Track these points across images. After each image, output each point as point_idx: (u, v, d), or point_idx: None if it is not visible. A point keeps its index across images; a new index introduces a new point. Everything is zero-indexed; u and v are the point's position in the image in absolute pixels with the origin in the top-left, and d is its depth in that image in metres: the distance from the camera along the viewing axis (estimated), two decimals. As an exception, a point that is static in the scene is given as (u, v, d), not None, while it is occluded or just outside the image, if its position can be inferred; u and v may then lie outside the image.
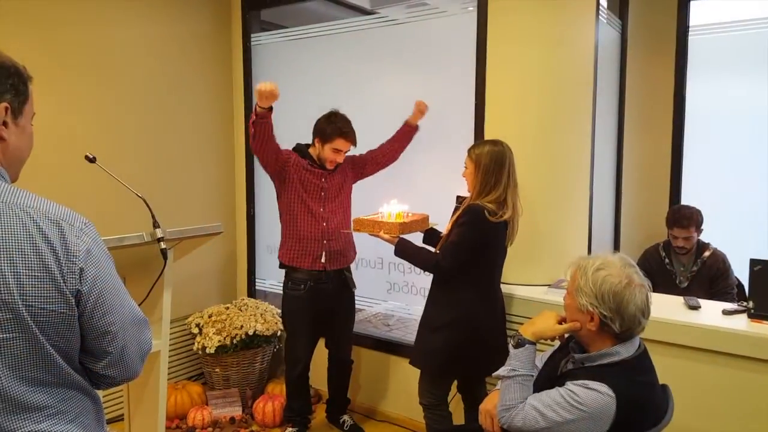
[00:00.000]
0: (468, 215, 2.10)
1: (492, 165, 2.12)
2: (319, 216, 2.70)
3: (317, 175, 2.70)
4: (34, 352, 0.95)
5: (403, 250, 2.21)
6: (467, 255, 2.10)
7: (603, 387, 1.38)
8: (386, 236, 2.23)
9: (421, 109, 2.76)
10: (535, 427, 1.43)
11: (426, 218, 2.44)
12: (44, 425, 0.97)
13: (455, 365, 2.22)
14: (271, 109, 2.48)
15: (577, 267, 1.50)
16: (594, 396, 1.37)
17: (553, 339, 1.61)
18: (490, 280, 2.23)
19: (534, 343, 1.58)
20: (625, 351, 1.45)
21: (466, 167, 2.22)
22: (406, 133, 2.80)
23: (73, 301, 0.98)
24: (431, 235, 2.42)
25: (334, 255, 2.75)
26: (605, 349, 1.45)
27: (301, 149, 2.74)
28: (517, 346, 1.57)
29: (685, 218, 2.84)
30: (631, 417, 1.39)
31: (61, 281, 0.96)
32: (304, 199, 2.69)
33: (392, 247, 2.26)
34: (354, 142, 2.65)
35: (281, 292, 2.85)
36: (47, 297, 0.95)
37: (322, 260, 2.70)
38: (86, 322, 1.00)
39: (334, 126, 2.60)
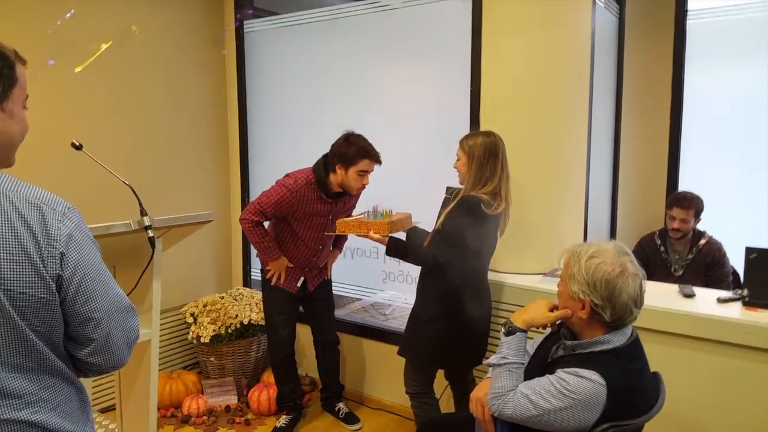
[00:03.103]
0: (464, 207, 2.07)
1: (486, 156, 2.09)
2: (313, 250, 2.70)
3: (323, 214, 2.61)
4: (14, 336, 0.94)
5: (396, 248, 2.18)
6: (462, 247, 2.07)
7: (594, 375, 1.36)
8: (377, 236, 2.17)
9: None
10: (526, 415, 1.42)
11: (409, 217, 2.42)
12: (23, 413, 0.96)
13: (443, 356, 2.22)
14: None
15: (570, 254, 1.48)
16: (584, 384, 1.36)
17: (544, 327, 1.60)
18: (480, 272, 2.21)
19: (525, 331, 1.56)
20: (617, 339, 1.43)
21: (458, 158, 2.19)
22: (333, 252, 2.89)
23: (54, 286, 0.96)
24: (413, 233, 2.39)
25: (313, 278, 2.80)
26: (597, 337, 1.44)
27: (320, 177, 2.52)
28: (507, 333, 1.56)
29: (687, 200, 2.83)
30: (622, 405, 1.38)
31: (41, 266, 0.94)
32: (302, 233, 2.65)
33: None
34: (379, 161, 2.48)
35: None
36: (26, 281, 0.93)
37: (298, 284, 2.75)
38: (69, 308, 0.99)
39: (356, 147, 2.43)
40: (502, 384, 1.50)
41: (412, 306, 2.31)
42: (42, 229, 0.95)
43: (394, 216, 2.31)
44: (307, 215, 2.58)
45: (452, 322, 2.14)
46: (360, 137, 2.48)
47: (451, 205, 2.12)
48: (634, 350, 1.46)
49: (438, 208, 2.26)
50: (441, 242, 2.10)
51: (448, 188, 2.30)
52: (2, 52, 1.00)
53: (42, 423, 0.97)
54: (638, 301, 1.42)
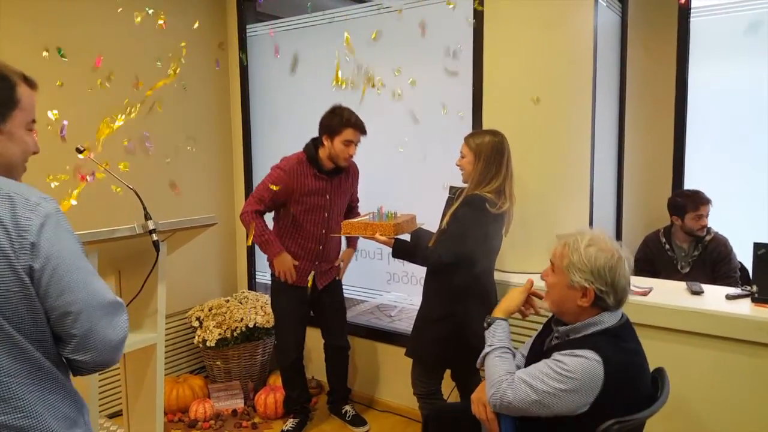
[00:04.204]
0: (469, 205, 2.06)
1: (493, 155, 2.09)
2: (317, 236, 2.69)
3: (321, 192, 2.62)
4: None
5: (402, 250, 2.17)
6: (468, 246, 2.06)
7: (589, 353, 1.38)
8: (382, 238, 2.16)
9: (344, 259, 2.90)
10: (527, 401, 1.42)
11: (414, 218, 2.41)
12: (11, 417, 0.94)
13: (450, 356, 2.20)
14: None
15: (564, 245, 1.51)
16: (581, 362, 1.38)
17: (524, 315, 1.69)
18: (486, 270, 2.20)
19: (505, 319, 1.62)
20: (609, 320, 1.47)
21: (463, 156, 2.18)
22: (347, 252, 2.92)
23: (27, 279, 0.93)
24: (418, 234, 2.39)
25: (323, 274, 2.78)
26: (589, 319, 1.47)
27: (310, 154, 2.61)
28: (488, 326, 1.62)
29: (704, 195, 2.83)
30: (620, 383, 1.39)
31: (13, 257, 0.92)
32: (302, 217, 2.65)
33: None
34: (363, 131, 2.59)
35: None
36: None
37: (308, 278, 2.73)
38: (43, 301, 0.96)
39: (340, 118, 2.54)
40: (494, 371, 1.51)
41: (418, 307, 2.30)
42: (12, 219, 0.93)
43: (399, 217, 2.30)
44: (304, 194, 2.60)
45: (459, 322, 2.13)
46: (345, 109, 2.58)
47: (456, 204, 2.11)
48: (626, 331, 1.49)
49: (441, 208, 2.26)
50: (446, 242, 2.09)
51: (451, 188, 2.29)
52: (2, 74, 0.99)
53: (32, 427, 0.95)
54: (629, 281, 1.48)
